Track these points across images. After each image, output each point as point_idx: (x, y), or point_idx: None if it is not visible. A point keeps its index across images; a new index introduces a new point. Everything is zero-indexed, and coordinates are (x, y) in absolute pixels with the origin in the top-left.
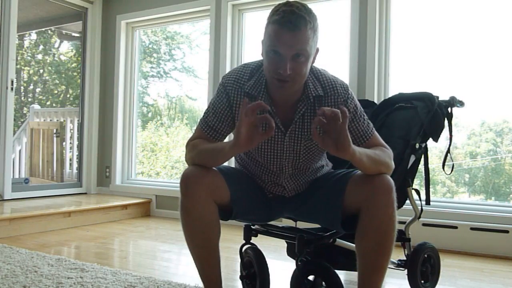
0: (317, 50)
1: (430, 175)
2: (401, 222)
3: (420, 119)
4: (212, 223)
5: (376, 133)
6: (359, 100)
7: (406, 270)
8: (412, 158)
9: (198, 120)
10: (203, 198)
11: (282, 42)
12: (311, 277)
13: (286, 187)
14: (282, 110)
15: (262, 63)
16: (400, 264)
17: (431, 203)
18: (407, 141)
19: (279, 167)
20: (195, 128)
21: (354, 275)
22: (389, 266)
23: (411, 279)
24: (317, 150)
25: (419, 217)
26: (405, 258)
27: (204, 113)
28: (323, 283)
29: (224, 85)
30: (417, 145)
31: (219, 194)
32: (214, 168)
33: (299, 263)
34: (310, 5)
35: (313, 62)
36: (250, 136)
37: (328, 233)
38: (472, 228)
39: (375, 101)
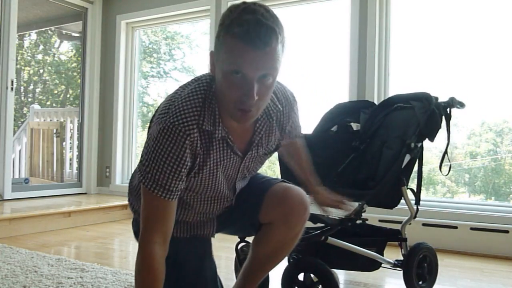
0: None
1: (430, 175)
2: (397, 222)
3: (417, 119)
4: None
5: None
6: (359, 101)
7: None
8: (407, 158)
9: (142, 183)
10: None
11: (249, 62)
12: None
13: (231, 198)
14: (238, 135)
15: (207, 86)
16: (396, 264)
17: (430, 203)
18: (404, 141)
19: (230, 189)
20: (149, 192)
21: (354, 275)
22: (386, 266)
23: (407, 279)
24: (264, 158)
25: (415, 217)
26: (401, 258)
27: (153, 172)
28: (316, 279)
29: (185, 134)
30: (413, 145)
31: None
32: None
33: (291, 260)
34: (310, 6)
35: None
36: None
37: (318, 231)
38: (472, 228)
39: (375, 101)
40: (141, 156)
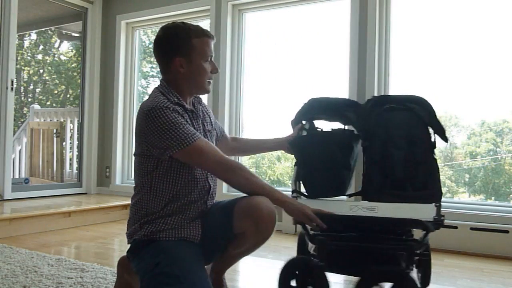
0: None
1: None
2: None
3: (421, 120)
4: None
5: None
6: (337, 99)
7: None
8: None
9: (180, 140)
10: None
11: (212, 48)
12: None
13: (212, 185)
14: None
15: (159, 89)
16: None
17: None
18: (411, 141)
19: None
20: (193, 145)
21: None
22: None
23: (426, 276)
24: (213, 134)
25: None
26: None
27: (181, 129)
28: None
29: (165, 105)
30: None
31: None
32: None
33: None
34: (311, 6)
35: None
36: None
37: (421, 240)
38: (472, 228)
39: None
40: (156, 148)
